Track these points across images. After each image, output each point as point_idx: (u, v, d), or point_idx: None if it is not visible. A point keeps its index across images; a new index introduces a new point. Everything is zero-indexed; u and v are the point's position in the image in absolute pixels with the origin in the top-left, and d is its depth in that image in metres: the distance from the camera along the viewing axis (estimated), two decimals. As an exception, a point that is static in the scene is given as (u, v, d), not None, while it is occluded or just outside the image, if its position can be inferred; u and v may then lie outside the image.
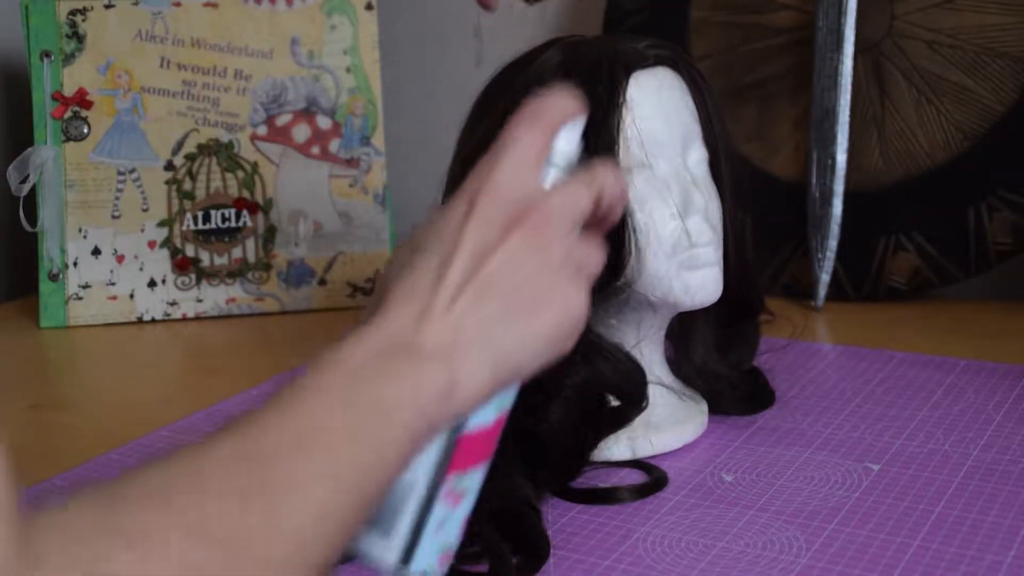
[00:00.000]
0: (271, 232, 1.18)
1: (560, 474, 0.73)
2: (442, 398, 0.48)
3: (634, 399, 0.76)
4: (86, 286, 1.14)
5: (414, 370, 0.47)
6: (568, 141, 0.54)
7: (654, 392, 0.78)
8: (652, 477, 0.75)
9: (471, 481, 0.53)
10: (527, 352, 0.51)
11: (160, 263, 1.16)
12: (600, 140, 0.73)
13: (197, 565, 0.38)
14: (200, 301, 1.17)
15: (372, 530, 0.50)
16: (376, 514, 0.50)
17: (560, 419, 0.72)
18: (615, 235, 0.71)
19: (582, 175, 0.54)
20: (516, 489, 0.68)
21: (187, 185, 1.17)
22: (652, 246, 0.75)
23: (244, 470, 0.41)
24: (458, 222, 0.51)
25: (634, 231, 0.74)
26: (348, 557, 0.48)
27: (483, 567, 0.63)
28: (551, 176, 0.53)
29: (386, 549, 0.50)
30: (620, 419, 0.76)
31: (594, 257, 0.54)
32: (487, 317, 0.50)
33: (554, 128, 0.53)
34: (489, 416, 0.52)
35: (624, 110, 0.74)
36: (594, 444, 0.75)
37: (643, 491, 0.74)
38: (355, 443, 0.44)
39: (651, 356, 0.80)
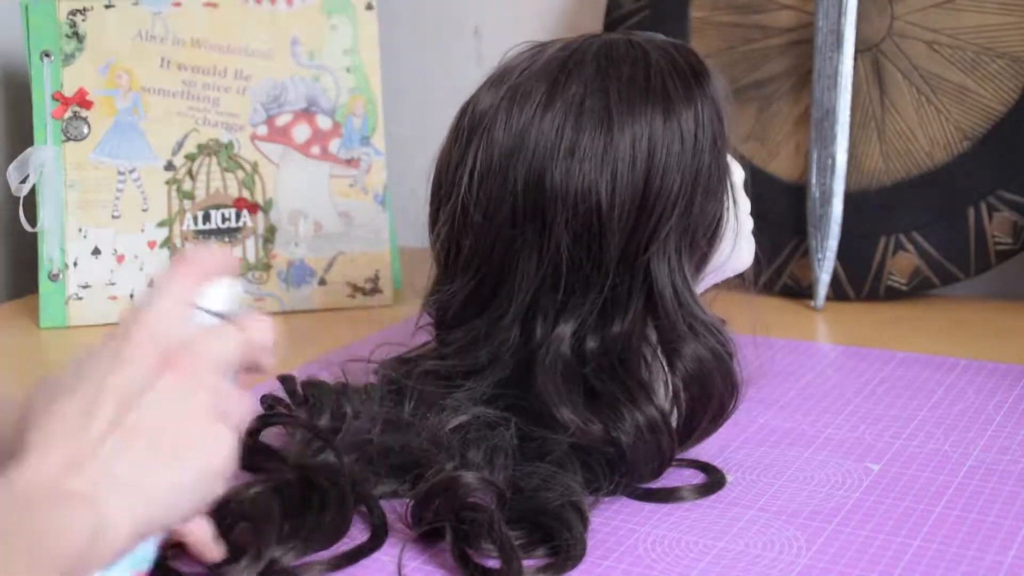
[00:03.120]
0: (271, 232, 1.18)
1: (638, 480, 0.74)
2: (89, 542, 0.47)
3: (732, 385, 0.76)
4: (86, 286, 1.14)
5: (60, 515, 0.47)
6: (221, 292, 0.56)
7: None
8: (712, 477, 0.75)
9: None
10: (174, 497, 0.51)
11: (160, 263, 1.16)
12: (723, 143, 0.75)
13: None
14: (200, 301, 1.16)
15: None
16: None
17: (649, 426, 0.72)
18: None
19: (232, 324, 0.55)
20: (568, 491, 0.68)
21: (187, 185, 1.17)
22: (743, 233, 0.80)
23: None
24: (106, 365, 0.51)
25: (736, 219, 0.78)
26: None
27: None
28: (202, 323, 0.54)
29: None
30: (719, 415, 0.76)
31: (242, 404, 0.54)
32: (133, 462, 0.49)
33: (204, 277, 0.55)
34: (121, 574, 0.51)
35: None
36: (673, 456, 0.75)
37: (705, 490, 0.73)
38: None
39: None
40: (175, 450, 0.51)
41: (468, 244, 0.74)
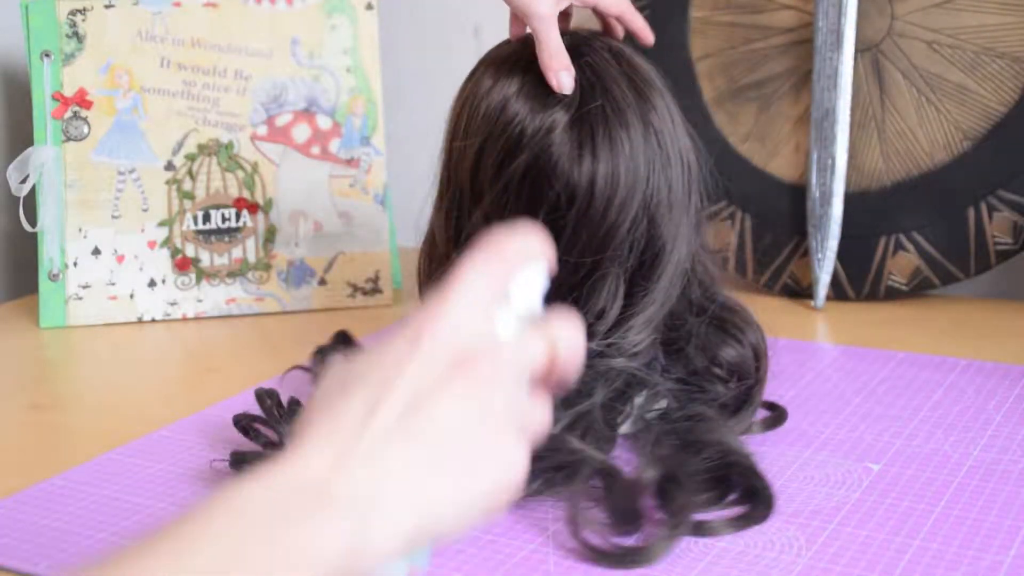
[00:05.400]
0: (271, 232, 1.18)
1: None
2: (348, 553, 0.42)
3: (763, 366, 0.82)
4: (86, 286, 1.14)
5: (319, 522, 0.42)
6: (529, 285, 0.49)
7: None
8: (756, 508, 0.70)
9: None
10: (455, 510, 0.45)
11: (160, 263, 1.16)
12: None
13: None
14: (200, 301, 1.16)
15: None
16: None
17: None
18: None
19: (540, 326, 0.48)
20: (735, 443, 0.74)
21: (187, 185, 1.17)
22: None
23: None
24: (399, 358, 0.45)
25: None
26: None
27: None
28: (506, 321, 0.48)
29: None
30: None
31: (540, 416, 0.49)
32: (415, 468, 0.44)
33: (514, 268, 0.48)
34: (398, 572, 0.46)
35: None
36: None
37: (745, 521, 0.69)
38: None
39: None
40: (462, 461, 0.45)
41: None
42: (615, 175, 0.75)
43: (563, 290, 0.75)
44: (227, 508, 0.41)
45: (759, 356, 0.82)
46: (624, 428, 0.77)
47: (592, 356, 0.75)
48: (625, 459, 0.76)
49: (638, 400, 0.77)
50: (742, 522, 0.68)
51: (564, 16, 0.85)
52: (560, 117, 0.76)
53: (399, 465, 0.43)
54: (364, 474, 0.43)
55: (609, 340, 0.76)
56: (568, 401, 0.73)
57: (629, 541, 0.66)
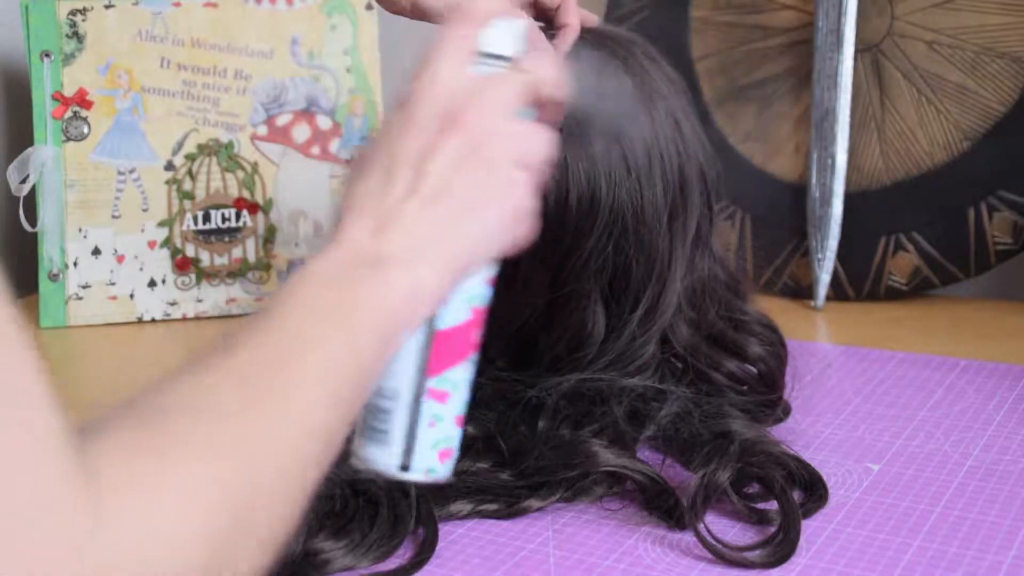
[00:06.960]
0: (271, 232, 1.18)
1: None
2: (408, 299, 0.51)
3: (777, 379, 0.82)
4: (86, 286, 1.14)
5: (378, 278, 0.50)
6: (499, 36, 0.56)
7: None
8: (781, 546, 0.65)
9: (455, 377, 0.56)
10: (478, 246, 0.54)
11: (160, 263, 1.16)
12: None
13: (216, 473, 0.42)
14: (200, 301, 1.17)
15: (371, 440, 0.55)
16: (372, 424, 0.55)
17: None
18: None
19: (513, 65, 0.55)
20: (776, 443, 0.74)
21: (187, 185, 1.17)
22: None
23: (243, 386, 0.45)
24: (396, 132, 0.53)
25: None
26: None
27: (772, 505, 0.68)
28: (485, 72, 0.55)
29: (386, 455, 0.56)
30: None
31: (537, 140, 0.56)
32: (435, 219, 0.52)
33: (482, 23, 0.55)
34: (461, 314, 0.56)
35: None
36: None
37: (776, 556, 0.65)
38: (332, 350, 0.47)
39: None
40: (472, 204, 0.53)
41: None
42: (566, 199, 0.72)
43: (530, 312, 0.74)
44: (303, 284, 0.50)
45: (769, 368, 0.82)
46: (647, 433, 0.76)
47: (596, 380, 0.74)
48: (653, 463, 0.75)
49: (661, 408, 0.76)
50: (804, 511, 0.68)
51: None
52: None
53: (421, 220, 0.52)
54: (396, 235, 0.51)
55: (607, 362, 0.75)
56: (591, 415, 0.73)
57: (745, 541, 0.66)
